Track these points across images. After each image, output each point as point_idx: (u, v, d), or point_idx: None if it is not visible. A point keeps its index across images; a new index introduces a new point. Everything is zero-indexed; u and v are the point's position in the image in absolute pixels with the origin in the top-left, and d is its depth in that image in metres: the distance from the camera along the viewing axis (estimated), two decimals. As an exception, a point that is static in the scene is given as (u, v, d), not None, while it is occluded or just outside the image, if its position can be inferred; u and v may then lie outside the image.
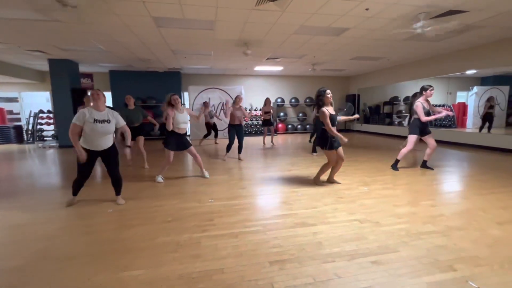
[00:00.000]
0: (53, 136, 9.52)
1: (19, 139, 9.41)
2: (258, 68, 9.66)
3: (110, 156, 2.97)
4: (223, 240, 2.18)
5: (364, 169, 4.59)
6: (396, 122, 10.76)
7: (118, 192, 3.11)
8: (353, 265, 1.81)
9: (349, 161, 5.26)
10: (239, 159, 5.66)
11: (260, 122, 10.11)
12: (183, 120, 3.96)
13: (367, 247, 2.03)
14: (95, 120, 2.76)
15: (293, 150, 6.99)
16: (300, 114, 11.66)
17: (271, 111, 7.68)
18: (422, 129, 4.30)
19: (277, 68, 9.79)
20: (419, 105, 4.18)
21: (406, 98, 10.03)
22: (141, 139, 5.10)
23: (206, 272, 1.75)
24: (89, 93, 2.98)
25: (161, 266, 1.82)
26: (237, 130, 5.54)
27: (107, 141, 2.93)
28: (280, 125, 11.39)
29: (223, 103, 9.86)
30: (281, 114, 11.51)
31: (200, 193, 3.40)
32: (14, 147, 8.47)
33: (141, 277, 1.71)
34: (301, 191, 3.43)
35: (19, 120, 10.28)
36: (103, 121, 2.82)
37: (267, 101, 7.69)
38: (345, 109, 11.65)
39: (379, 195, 3.25)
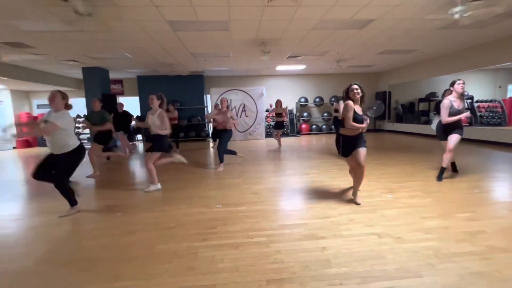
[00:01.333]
0: (88, 138, 10.25)
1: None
2: (280, 67, 9.43)
3: (57, 162, 2.79)
4: (222, 251, 2.04)
5: (391, 174, 4.15)
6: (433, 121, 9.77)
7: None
8: (363, 290, 1.55)
9: (374, 164, 4.82)
10: (215, 169, 4.93)
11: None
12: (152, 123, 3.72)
13: (383, 269, 1.74)
14: (44, 121, 2.75)
15: (315, 152, 6.65)
16: (325, 114, 11.17)
17: (284, 113, 7.10)
18: (448, 131, 3.66)
19: (300, 67, 9.47)
20: (446, 103, 3.57)
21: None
22: (98, 146, 4.89)
23: (197, 288, 1.62)
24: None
25: (152, 279, 1.73)
26: (219, 136, 5.04)
27: (54, 144, 2.75)
28: (303, 126, 11.02)
29: (244, 104, 9.79)
30: (305, 114, 11.13)
31: (209, 198, 3.31)
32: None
33: (129, 290, 1.63)
34: (316, 197, 3.17)
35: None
36: (45, 121, 2.75)
37: (278, 102, 7.17)
38: (375, 108, 10.90)
39: (404, 204, 2.86)
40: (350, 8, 4.16)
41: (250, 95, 9.80)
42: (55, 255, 2.09)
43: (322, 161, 5.36)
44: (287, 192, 3.50)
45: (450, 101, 3.57)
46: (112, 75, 9.66)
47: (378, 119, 11.14)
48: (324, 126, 11.12)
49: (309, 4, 3.97)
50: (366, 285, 1.59)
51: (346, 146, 2.97)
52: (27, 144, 9.98)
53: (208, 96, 10.33)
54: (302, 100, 11.07)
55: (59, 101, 2.80)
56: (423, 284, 1.58)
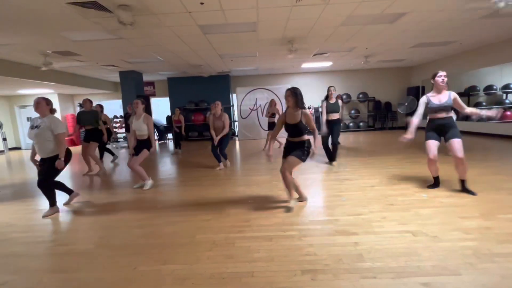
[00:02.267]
0: (124, 138, 11.03)
1: (100, 141, 11.18)
2: (305, 65, 9.38)
3: (44, 166, 2.94)
4: (257, 242, 2.17)
5: (426, 172, 3.99)
6: (473, 117, 9.09)
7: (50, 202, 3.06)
8: (397, 284, 1.58)
9: (405, 163, 4.67)
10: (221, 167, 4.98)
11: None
12: (137, 127, 3.78)
13: (418, 266, 1.75)
14: (31, 126, 2.91)
15: (343, 150, 6.55)
16: (352, 111, 10.89)
17: (277, 113, 6.79)
18: (438, 131, 3.12)
19: (326, 64, 9.33)
20: (422, 100, 3.12)
21: (488, 88, 8.37)
22: (92, 144, 5.02)
23: (236, 274, 1.76)
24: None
25: (196, 263, 1.91)
26: (220, 141, 4.86)
27: (43, 149, 2.87)
28: (329, 124, 10.84)
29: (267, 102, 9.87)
30: (331, 111, 10.94)
31: (239, 194, 3.47)
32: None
33: (176, 272, 1.82)
34: (346, 196, 3.18)
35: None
36: (36, 126, 2.88)
37: (272, 102, 6.97)
38: (406, 104, 10.39)
39: (441, 204, 2.78)
40: (381, 2, 4.06)
41: (275, 94, 9.86)
42: (109, 240, 2.36)
43: (350, 160, 5.29)
44: (315, 189, 3.55)
45: (427, 96, 3.12)
46: (145, 78, 10.28)
47: (410, 115, 10.61)
48: (351, 124, 10.85)
49: (337, 2, 3.95)
50: (400, 280, 1.62)
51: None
52: (72, 143, 10.97)
53: (234, 95, 10.57)
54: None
55: (44, 107, 2.92)
56: (462, 283, 1.57)
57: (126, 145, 9.95)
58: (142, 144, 3.82)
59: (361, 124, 10.83)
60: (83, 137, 5.31)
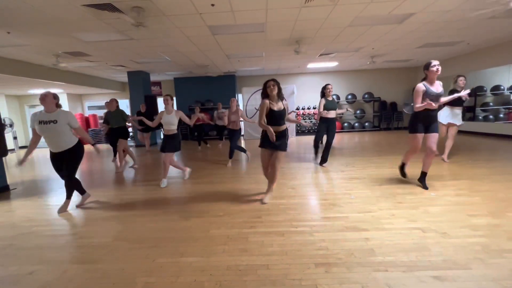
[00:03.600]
0: (131, 137, 11.17)
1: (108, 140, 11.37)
2: (311, 65, 9.42)
3: (64, 159, 3.01)
4: (270, 237, 2.24)
5: (433, 171, 4.00)
6: (480, 117, 9.05)
7: (67, 195, 3.18)
8: (409, 277, 1.64)
9: (414, 162, 4.68)
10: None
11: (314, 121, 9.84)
12: (168, 121, 3.95)
13: (428, 260, 1.80)
14: (40, 122, 2.86)
15: (349, 150, 6.59)
16: (358, 111, 10.89)
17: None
18: (425, 122, 3.14)
19: (332, 64, 9.36)
20: (420, 87, 3.06)
21: (495, 88, 8.33)
22: (121, 142, 5.17)
23: (252, 266, 1.83)
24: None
25: (212, 256, 1.98)
26: (231, 135, 5.35)
27: (60, 143, 2.94)
28: (335, 124, 10.87)
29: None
30: (336, 111, 10.97)
31: (250, 191, 3.54)
32: (104, 146, 10.26)
33: (194, 264, 1.89)
34: (354, 194, 3.23)
35: (107, 124, 12.41)
36: (49, 121, 2.87)
37: None
38: (412, 104, 10.37)
39: (449, 202, 2.82)
40: (389, 3, 4.10)
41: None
42: (127, 234, 2.45)
43: (357, 159, 5.32)
44: (323, 187, 3.60)
45: (423, 84, 3.06)
46: (152, 78, 10.42)
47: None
48: (356, 124, 10.86)
49: (345, 2, 4.00)
50: (412, 273, 1.68)
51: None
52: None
53: (240, 95, 10.65)
54: (334, 97, 10.89)
55: (51, 100, 2.93)
56: (472, 276, 1.62)
57: (132, 144, 10.09)
58: (171, 139, 4.00)
59: (366, 124, 10.83)
60: (111, 136, 5.46)
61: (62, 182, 4.60)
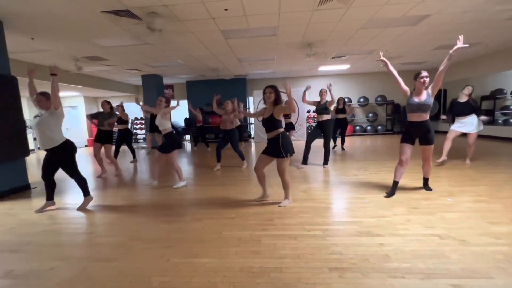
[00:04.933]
0: (144, 139, 11.42)
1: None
2: (323, 68, 9.38)
3: (55, 162, 2.98)
4: (282, 240, 2.23)
5: (450, 177, 3.92)
6: (500, 121, 8.71)
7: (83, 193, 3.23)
8: (427, 285, 1.59)
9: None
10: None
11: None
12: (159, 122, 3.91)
13: (447, 268, 1.75)
14: (35, 117, 2.89)
15: (361, 153, 6.50)
16: (370, 115, 10.73)
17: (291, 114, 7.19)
18: (414, 133, 3.10)
19: (344, 67, 9.29)
20: (407, 89, 3.10)
21: (516, 90, 8.02)
22: (106, 147, 5.03)
23: (265, 269, 1.84)
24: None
25: (225, 258, 2.00)
26: (228, 137, 5.18)
27: (44, 139, 2.88)
28: (346, 127, 10.73)
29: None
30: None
31: (261, 193, 3.54)
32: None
33: (208, 265, 1.91)
34: (368, 198, 3.18)
35: (121, 126, 12.74)
36: (37, 116, 2.89)
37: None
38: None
39: (468, 208, 2.73)
40: (404, 5, 4.04)
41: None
42: (141, 234, 2.50)
43: (370, 163, 5.24)
44: (336, 191, 3.57)
45: (410, 91, 3.10)
46: (165, 81, 10.64)
47: (432, 120, 10.30)
48: (369, 127, 10.69)
49: (359, 5, 3.98)
50: (430, 281, 1.63)
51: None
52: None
53: (251, 98, 10.71)
54: (346, 100, 10.77)
55: (45, 101, 2.93)
56: (494, 286, 1.56)
57: (145, 145, 10.31)
58: (165, 139, 3.95)
59: (379, 127, 10.65)
60: (117, 137, 5.43)
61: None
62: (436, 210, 2.70)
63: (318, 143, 8.67)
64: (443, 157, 4.66)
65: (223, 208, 3.08)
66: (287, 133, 7.12)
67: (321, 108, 4.86)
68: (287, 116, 7.07)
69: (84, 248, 2.29)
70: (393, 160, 5.31)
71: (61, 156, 3.03)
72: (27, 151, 4.35)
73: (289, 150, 2.88)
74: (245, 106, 10.86)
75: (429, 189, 3.33)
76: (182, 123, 11.52)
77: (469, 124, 4.49)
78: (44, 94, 2.99)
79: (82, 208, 3.23)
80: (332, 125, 4.97)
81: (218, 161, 5.21)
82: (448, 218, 2.52)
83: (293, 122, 7.85)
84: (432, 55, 7.89)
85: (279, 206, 3.03)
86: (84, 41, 5.09)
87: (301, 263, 1.89)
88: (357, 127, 10.73)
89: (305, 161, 5.09)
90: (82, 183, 3.26)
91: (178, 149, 4.02)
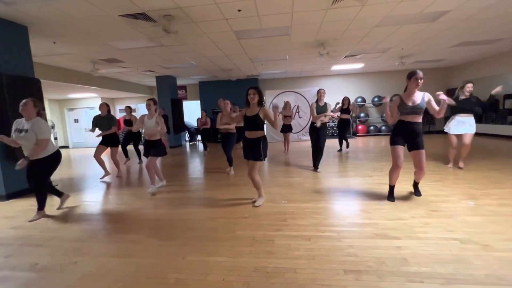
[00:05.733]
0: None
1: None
2: (336, 67, 9.25)
3: (34, 168, 2.91)
4: (296, 241, 2.22)
5: (470, 179, 3.76)
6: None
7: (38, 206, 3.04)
8: (448, 291, 1.54)
9: (447, 168, 4.42)
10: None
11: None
12: (149, 126, 3.80)
13: (470, 274, 1.68)
14: (16, 130, 2.84)
15: (375, 154, 6.36)
16: (384, 115, 10.46)
17: (292, 115, 7.21)
18: (405, 135, 2.94)
19: (357, 66, 9.12)
20: (395, 100, 2.95)
21: (542, 89, 7.60)
22: (112, 150, 4.97)
23: (279, 269, 1.83)
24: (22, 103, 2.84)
25: (239, 257, 2.01)
26: (226, 140, 4.93)
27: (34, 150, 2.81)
28: (360, 127, 10.54)
29: (297, 105, 9.87)
30: (362, 114, 10.63)
31: (274, 194, 3.54)
32: (131, 147, 10.80)
33: (222, 264, 1.93)
34: (384, 200, 3.11)
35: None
36: (22, 130, 2.81)
37: (287, 104, 7.25)
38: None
39: (491, 212, 2.61)
40: (421, 1, 3.92)
41: (304, 96, 9.83)
42: (157, 232, 2.56)
43: (384, 164, 5.11)
44: (350, 192, 3.50)
45: (399, 97, 2.93)
46: (178, 82, 10.83)
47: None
48: (383, 127, 10.44)
49: (374, 2, 3.90)
50: (451, 286, 1.57)
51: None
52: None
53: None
54: (359, 100, 10.60)
55: (31, 108, 2.83)
56: (521, 293, 1.49)
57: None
58: (153, 145, 3.85)
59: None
60: (123, 139, 5.50)
61: (97, 180, 4.92)
62: (456, 213, 2.61)
63: (332, 143, 8.56)
64: (451, 164, 4.54)
65: (236, 207, 3.10)
66: (285, 134, 7.14)
67: (320, 109, 4.57)
68: (287, 118, 7.08)
69: (104, 244, 2.36)
70: (409, 161, 5.16)
71: (48, 164, 2.96)
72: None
73: (266, 154, 3.05)
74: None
75: (419, 194, 3.16)
76: (194, 124, 11.68)
77: (468, 124, 4.30)
78: (34, 100, 2.90)
79: (33, 220, 2.99)
80: (326, 130, 4.70)
81: (230, 165, 4.99)
82: (470, 222, 2.42)
83: (302, 125, 7.77)
84: (451, 53, 7.61)
85: (254, 206, 3.07)
86: (102, 44, 5.26)
87: (315, 264, 1.87)
88: (371, 127, 10.51)
89: (315, 166, 4.83)
90: (43, 195, 3.08)
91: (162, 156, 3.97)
